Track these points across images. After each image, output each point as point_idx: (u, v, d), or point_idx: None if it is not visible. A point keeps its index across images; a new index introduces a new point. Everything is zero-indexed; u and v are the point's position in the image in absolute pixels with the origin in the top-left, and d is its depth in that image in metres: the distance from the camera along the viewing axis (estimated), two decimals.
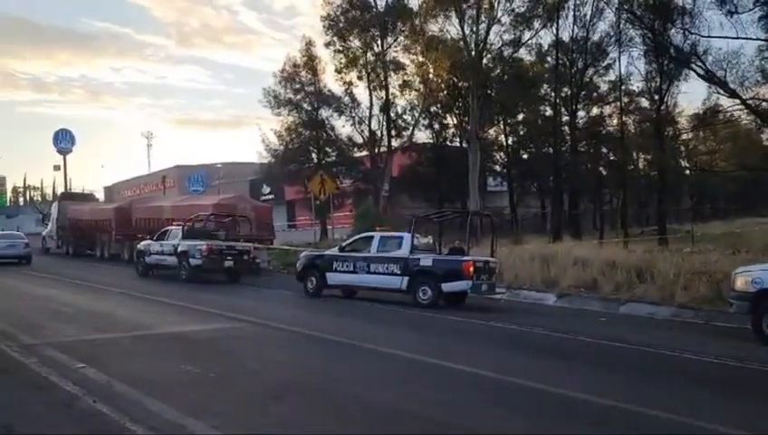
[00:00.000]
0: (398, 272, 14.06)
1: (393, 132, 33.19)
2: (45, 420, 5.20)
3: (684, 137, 37.18)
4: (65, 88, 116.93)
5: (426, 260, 14.01)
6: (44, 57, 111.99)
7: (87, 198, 38.97)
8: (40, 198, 73.31)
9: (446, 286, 13.58)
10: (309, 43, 33.59)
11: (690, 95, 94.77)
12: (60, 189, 52.84)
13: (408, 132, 33.94)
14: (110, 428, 4.90)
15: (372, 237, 15.14)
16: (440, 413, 5.60)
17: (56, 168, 56.30)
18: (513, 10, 29.14)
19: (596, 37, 32.79)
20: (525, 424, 5.49)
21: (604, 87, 36.03)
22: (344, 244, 16.02)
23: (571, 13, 31.80)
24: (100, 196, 54.03)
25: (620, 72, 32.27)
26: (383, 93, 32.51)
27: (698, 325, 12.42)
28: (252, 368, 7.39)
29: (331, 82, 34.22)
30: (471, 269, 13.46)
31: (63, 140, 53.94)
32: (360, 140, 33.48)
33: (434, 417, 5.48)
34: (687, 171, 45.89)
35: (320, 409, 5.70)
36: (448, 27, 29.94)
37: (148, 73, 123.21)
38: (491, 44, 30.35)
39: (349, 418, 5.46)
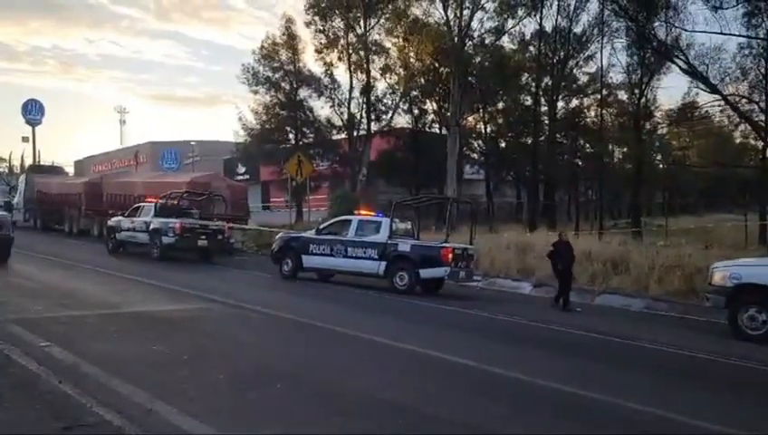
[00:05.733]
0: (376, 257, 13.91)
1: (372, 116, 32.87)
2: (6, 401, 4.91)
3: (660, 132, 37.53)
4: (37, 58, 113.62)
5: (404, 246, 13.87)
6: (15, 24, 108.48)
7: (56, 171, 37.97)
8: (7, 170, 71.24)
9: (424, 272, 13.46)
10: (289, 21, 33.01)
11: (669, 91, 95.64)
12: (28, 162, 51.38)
13: (388, 116, 33.67)
14: (75, 411, 4.64)
15: (350, 221, 14.92)
16: (418, 401, 5.47)
17: (25, 139, 54.59)
18: None
19: (579, 28, 32.89)
20: (503, 413, 5.38)
21: (584, 79, 36.19)
22: (321, 226, 15.79)
23: (556, 2, 31.79)
24: (70, 170, 52.65)
25: (602, 63, 32.38)
26: (364, 76, 32.12)
27: (673, 318, 12.53)
28: (226, 351, 7.17)
29: (311, 62, 33.72)
30: (450, 256, 13.36)
31: (33, 111, 52.37)
32: (338, 122, 33.08)
33: (412, 405, 5.34)
34: (660, 166, 46.49)
35: (297, 394, 5.52)
36: (432, 11, 29.70)
37: (124, 47, 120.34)
38: (474, 31, 30.19)
39: (327, 404, 5.29)
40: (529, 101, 35.67)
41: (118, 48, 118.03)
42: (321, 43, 31.83)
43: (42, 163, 46.34)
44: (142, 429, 4.36)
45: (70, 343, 6.76)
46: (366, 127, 32.63)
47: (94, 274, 14.24)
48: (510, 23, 30.65)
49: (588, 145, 38.46)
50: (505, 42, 33.11)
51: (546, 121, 35.14)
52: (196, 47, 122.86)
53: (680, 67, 23.27)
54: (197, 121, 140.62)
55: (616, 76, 33.42)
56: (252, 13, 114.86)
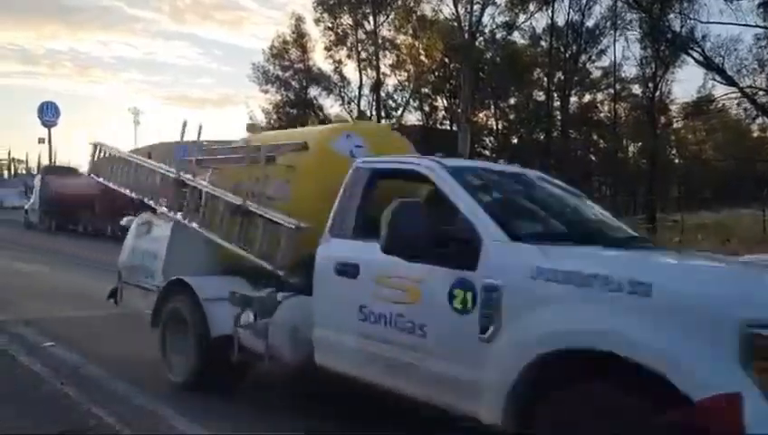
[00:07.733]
0: None
1: (383, 113, 32.80)
2: (8, 402, 4.86)
3: (675, 126, 37.12)
4: (54, 61, 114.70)
5: None
6: (32, 28, 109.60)
7: (71, 171, 38.20)
8: (25, 171, 72.06)
9: None
10: (299, 20, 33.05)
11: (684, 84, 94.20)
12: (45, 163, 51.91)
13: (398, 113, 33.58)
14: (73, 412, 4.59)
15: None
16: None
17: (41, 140, 55.12)
18: None
19: (591, 22, 32.62)
20: None
21: (597, 73, 35.89)
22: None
23: None
24: (85, 170, 53.09)
25: (615, 57, 32.09)
26: (373, 73, 32.08)
27: None
28: None
29: (320, 60, 33.74)
30: None
31: (48, 113, 52.82)
32: (348, 119, 33.04)
33: (412, 407, 5.22)
34: (676, 160, 46.02)
35: (298, 395, 5.43)
36: (442, 7, 29.56)
37: (138, 48, 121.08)
38: (484, 26, 30.02)
39: (328, 406, 5.20)
40: (541, 96, 35.45)
41: (132, 50, 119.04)
42: (330, 41, 31.89)
43: (58, 164, 46.78)
44: (142, 431, 4.30)
45: (76, 344, 6.72)
46: None
47: (104, 272, 14.21)
48: (521, 17, 30.54)
49: (601, 140, 38.16)
50: (516, 37, 32.97)
51: (559, 117, 34.88)
52: (208, 48, 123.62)
53: (695, 59, 23.00)
54: (210, 122, 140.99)
55: (629, 70, 33.21)
56: (264, 13, 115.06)
